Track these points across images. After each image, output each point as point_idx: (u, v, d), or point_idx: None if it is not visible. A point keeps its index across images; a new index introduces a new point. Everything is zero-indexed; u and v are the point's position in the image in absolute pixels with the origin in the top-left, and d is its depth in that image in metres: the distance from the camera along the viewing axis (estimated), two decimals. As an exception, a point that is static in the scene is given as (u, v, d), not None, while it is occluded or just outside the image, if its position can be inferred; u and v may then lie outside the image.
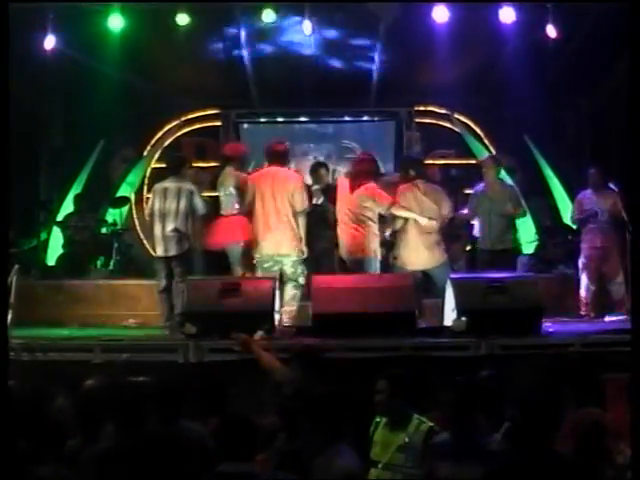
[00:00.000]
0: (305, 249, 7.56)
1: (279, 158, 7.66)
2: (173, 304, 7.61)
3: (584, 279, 8.59)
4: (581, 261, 8.68)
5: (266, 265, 7.43)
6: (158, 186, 7.94)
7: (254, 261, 7.55)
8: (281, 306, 7.24)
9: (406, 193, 7.91)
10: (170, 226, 7.66)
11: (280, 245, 7.42)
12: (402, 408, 4.53)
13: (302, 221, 7.56)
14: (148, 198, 9.26)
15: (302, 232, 7.54)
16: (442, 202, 7.99)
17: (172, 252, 7.66)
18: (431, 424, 4.46)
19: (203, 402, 4.83)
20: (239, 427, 3.63)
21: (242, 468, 3.52)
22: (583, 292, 8.59)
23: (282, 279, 7.40)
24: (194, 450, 3.97)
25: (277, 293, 7.06)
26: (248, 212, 7.61)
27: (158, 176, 9.52)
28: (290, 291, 7.42)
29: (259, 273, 7.48)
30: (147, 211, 8.20)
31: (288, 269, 7.41)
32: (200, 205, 7.79)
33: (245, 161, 8.25)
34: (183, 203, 7.69)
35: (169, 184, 7.84)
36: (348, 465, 3.95)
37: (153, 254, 8.19)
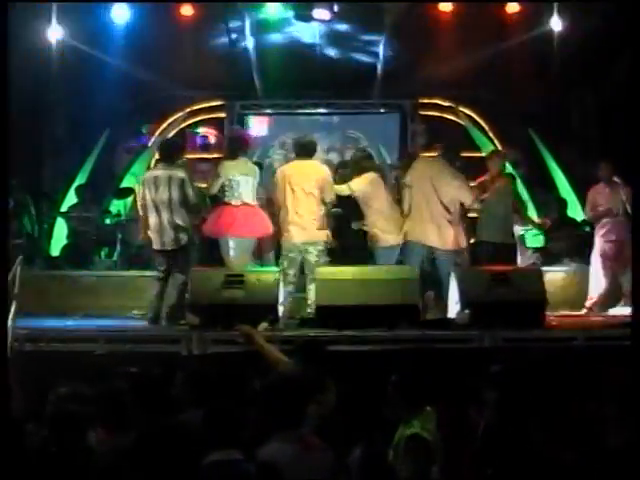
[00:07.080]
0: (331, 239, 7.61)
1: (308, 151, 7.70)
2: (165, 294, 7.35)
3: (598, 272, 8.50)
4: (595, 255, 8.57)
5: (292, 255, 7.45)
6: (148, 174, 7.63)
7: (282, 252, 7.55)
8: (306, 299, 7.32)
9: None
10: (166, 218, 7.33)
11: (307, 233, 7.43)
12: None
13: (327, 211, 7.66)
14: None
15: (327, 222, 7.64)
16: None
17: (169, 247, 7.36)
18: (416, 430, 4.04)
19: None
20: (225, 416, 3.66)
21: (231, 455, 3.55)
22: (594, 285, 8.51)
23: (303, 272, 7.41)
24: (191, 440, 3.95)
25: (290, 288, 7.17)
26: (273, 202, 7.69)
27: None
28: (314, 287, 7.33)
29: (285, 264, 7.46)
30: (139, 202, 7.92)
31: (312, 258, 7.38)
32: (191, 194, 7.40)
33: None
34: (175, 193, 7.31)
35: (159, 172, 7.49)
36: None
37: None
